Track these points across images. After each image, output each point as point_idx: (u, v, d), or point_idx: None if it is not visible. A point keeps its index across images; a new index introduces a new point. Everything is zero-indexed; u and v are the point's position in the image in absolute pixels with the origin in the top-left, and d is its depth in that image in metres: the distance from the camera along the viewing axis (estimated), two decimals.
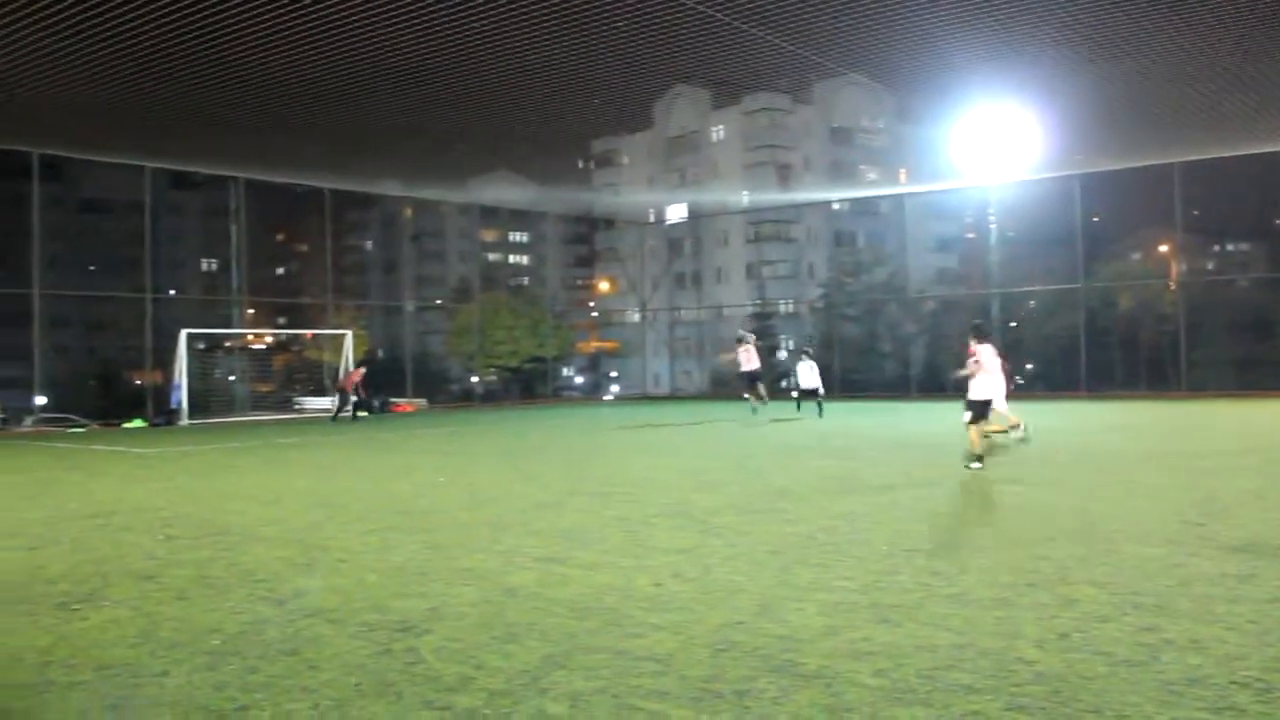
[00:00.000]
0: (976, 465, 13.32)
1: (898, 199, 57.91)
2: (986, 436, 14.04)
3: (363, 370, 32.42)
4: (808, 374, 27.36)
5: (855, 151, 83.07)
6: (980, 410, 13.69)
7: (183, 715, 4.43)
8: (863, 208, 76.34)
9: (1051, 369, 46.00)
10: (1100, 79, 23.41)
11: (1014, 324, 46.07)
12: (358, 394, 31.61)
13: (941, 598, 6.29)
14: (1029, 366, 51.73)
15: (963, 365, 14.17)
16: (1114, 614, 5.82)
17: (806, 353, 28.97)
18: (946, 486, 11.66)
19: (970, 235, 68.94)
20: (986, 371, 13.78)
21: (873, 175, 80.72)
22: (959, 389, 14.30)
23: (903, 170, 75.91)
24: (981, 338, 14.24)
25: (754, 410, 26.49)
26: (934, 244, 72.91)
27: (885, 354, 56.17)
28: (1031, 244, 49.07)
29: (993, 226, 41.77)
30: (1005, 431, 15.93)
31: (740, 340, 27.80)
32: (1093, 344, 37.71)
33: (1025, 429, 15.78)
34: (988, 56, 21.73)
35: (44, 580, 7.45)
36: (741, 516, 9.73)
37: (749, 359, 26.92)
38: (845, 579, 6.87)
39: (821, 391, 27.15)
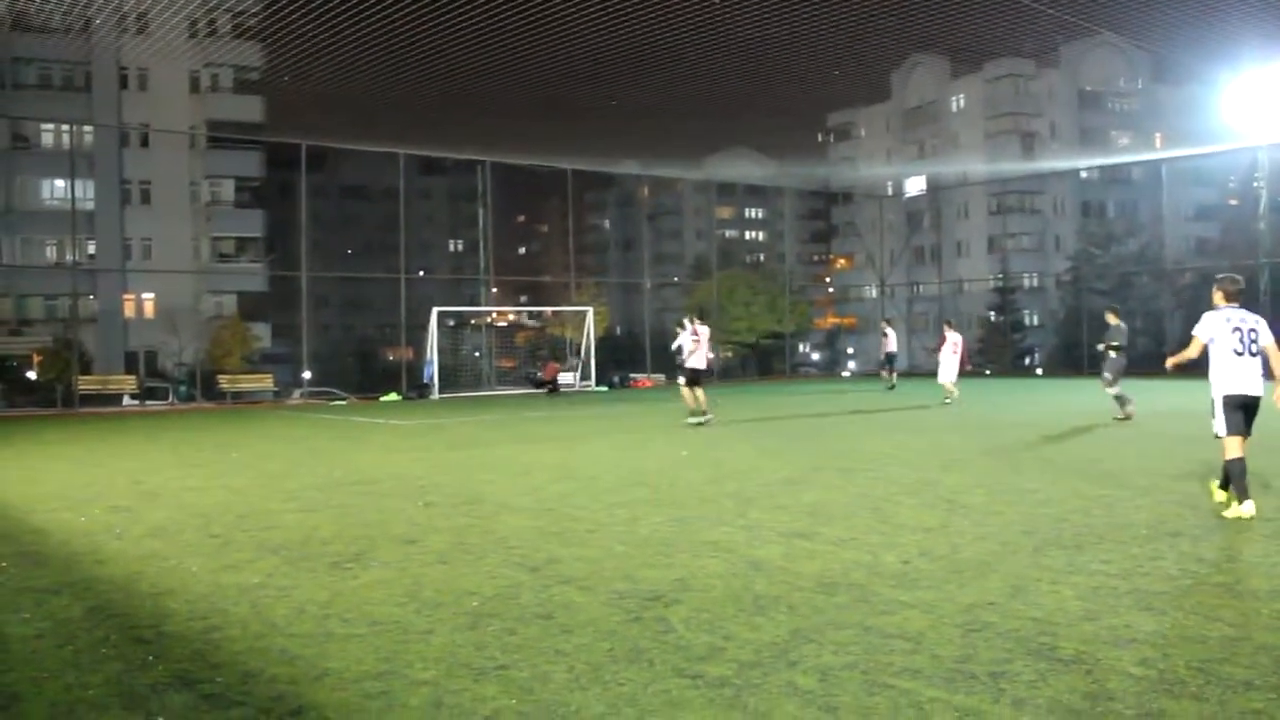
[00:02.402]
0: (694, 420, 18.17)
1: (1153, 165, 54.59)
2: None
3: (555, 365, 33.24)
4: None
5: (1105, 116, 78.81)
6: (693, 376, 18.76)
7: (447, 671, 4.65)
8: (1114, 175, 72.39)
9: None
10: None
11: None
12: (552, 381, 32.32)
13: (1210, 586, 5.95)
14: None
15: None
16: None
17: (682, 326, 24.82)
18: (1208, 471, 10.95)
19: (1234, 202, 64.40)
20: (701, 347, 18.71)
21: (1125, 141, 76.41)
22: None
23: (1158, 135, 71.59)
24: (703, 320, 19.40)
25: (891, 387, 29.24)
26: (1193, 212, 68.56)
27: (1138, 330, 53.27)
28: None
29: (1261, 191, 38.79)
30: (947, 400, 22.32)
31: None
32: None
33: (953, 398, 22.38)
34: (1263, 5, 20.17)
35: (319, 541, 7.97)
36: (990, 496, 9.45)
37: (889, 343, 30.29)
38: (1103, 562, 6.58)
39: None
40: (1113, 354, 17.62)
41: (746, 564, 6.74)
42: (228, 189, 57.67)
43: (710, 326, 20.48)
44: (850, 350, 76.28)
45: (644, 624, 5.35)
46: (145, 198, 54.00)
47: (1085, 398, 24.82)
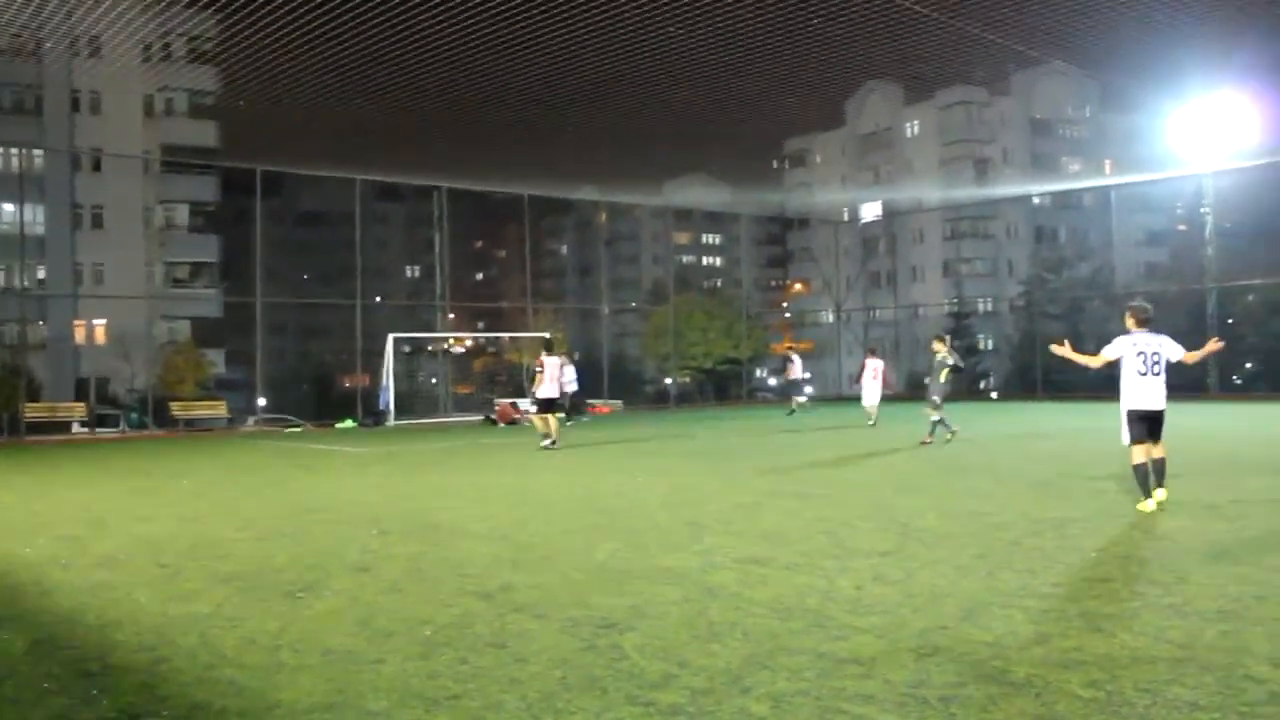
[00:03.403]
0: (546, 443, 19.39)
1: (1103, 191, 55.47)
2: (558, 421, 20.55)
3: (509, 407, 32.44)
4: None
5: (1057, 143, 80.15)
6: (545, 406, 20.18)
7: (399, 701, 4.61)
8: (1065, 201, 73.45)
9: (1275, 367, 43.30)
10: None
11: (1231, 320, 43.51)
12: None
13: (1159, 608, 6.01)
14: (1249, 365, 48.82)
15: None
16: None
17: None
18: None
19: (1182, 227, 65.50)
20: (549, 379, 20.01)
21: (1075, 167, 77.71)
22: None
23: (1108, 161, 72.76)
24: (549, 352, 20.53)
25: (791, 413, 30.59)
26: (1142, 237, 69.70)
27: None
28: (1253, 235, 46.16)
29: (1208, 218, 39.43)
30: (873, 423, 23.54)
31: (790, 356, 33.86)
32: None
33: (875, 421, 23.67)
34: (1206, 36, 20.60)
35: (272, 569, 7.88)
36: (943, 519, 9.51)
37: (794, 370, 32.40)
38: (1054, 585, 6.65)
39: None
40: (942, 380, 18.83)
41: (701, 590, 6.74)
42: (182, 214, 57.21)
43: (562, 356, 22.09)
44: (807, 375, 76.59)
45: (598, 651, 5.33)
46: (97, 222, 53.40)
47: (1038, 420, 25.12)
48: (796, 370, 31.63)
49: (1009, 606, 6.08)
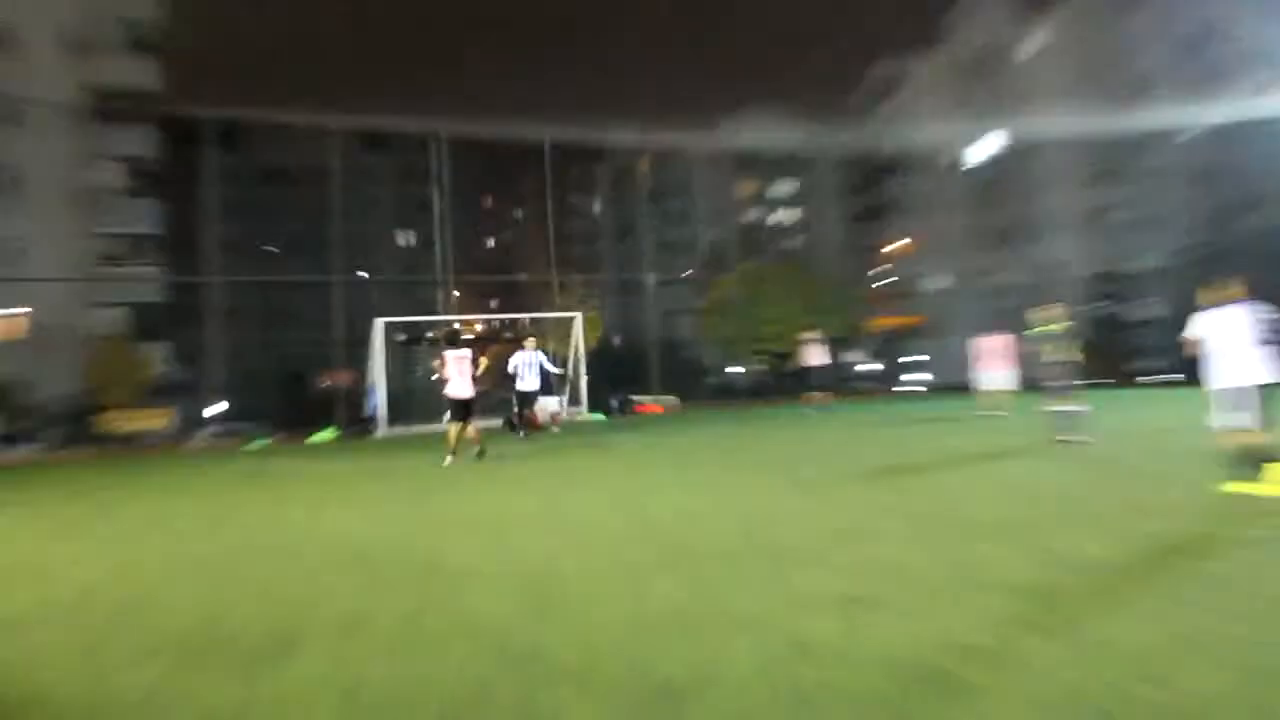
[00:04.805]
0: (448, 461, 20.36)
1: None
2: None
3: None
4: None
5: (1224, 57, 79.07)
6: (457, 410, 21.03)
7: None
8: (1241, 131, 72.47)
9: None
10: None
11: None
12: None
13: None
14: None
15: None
16: None
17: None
18: None
19: None
20: (455, 376, 20.87)
21: (1254, 89, 76.68)
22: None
23: None
24: (452, 346, 21.15)
25: (811, 412, 32.47)
26: None
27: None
28: None
29: None
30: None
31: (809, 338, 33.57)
32: None
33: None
34: None
35: (227, 631, 7.79)
36: (1105, 547, 9.21)
37: (816, 356, 32.61)
38: (1248, 626, 6.43)
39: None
40: (1060, 358, 18.56)
41: (789, 644, 6.58)
42: (116, 174, 57.80)
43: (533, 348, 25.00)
44: (920, 357, 76.29)
45: None
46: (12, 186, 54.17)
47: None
48: (814, 358, 31.89)
49: (1196, 653, 5.89)
